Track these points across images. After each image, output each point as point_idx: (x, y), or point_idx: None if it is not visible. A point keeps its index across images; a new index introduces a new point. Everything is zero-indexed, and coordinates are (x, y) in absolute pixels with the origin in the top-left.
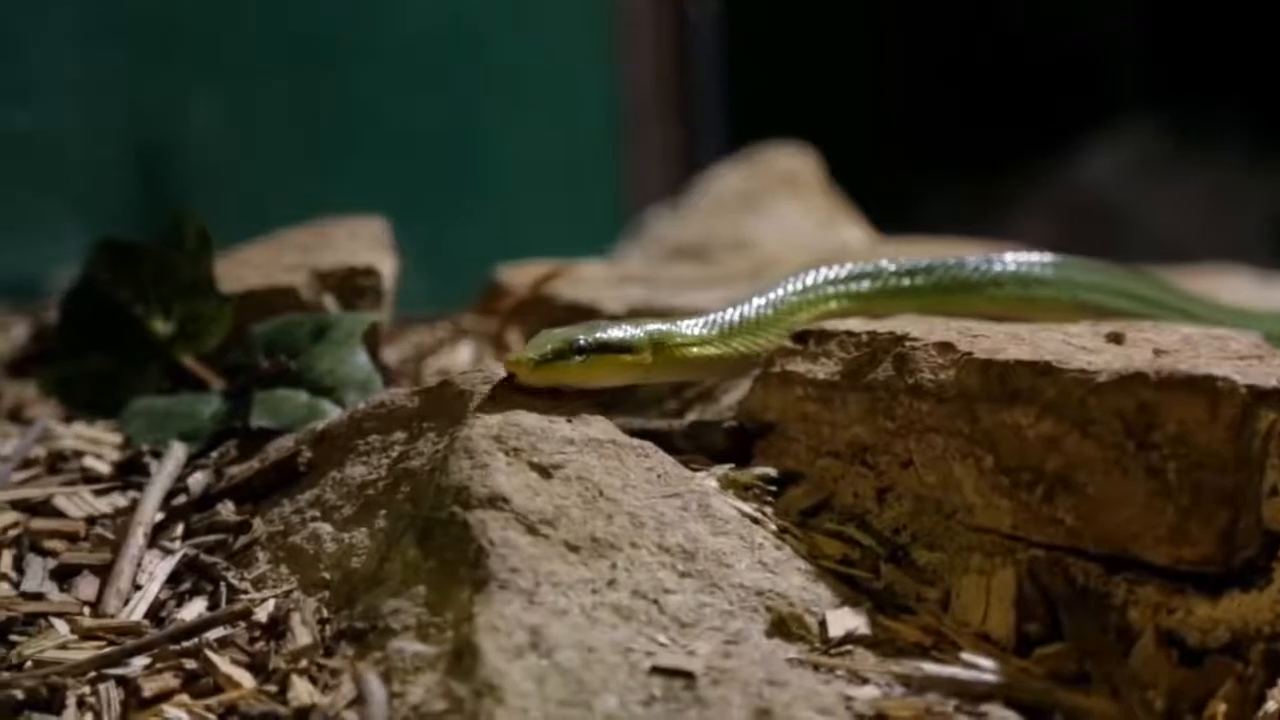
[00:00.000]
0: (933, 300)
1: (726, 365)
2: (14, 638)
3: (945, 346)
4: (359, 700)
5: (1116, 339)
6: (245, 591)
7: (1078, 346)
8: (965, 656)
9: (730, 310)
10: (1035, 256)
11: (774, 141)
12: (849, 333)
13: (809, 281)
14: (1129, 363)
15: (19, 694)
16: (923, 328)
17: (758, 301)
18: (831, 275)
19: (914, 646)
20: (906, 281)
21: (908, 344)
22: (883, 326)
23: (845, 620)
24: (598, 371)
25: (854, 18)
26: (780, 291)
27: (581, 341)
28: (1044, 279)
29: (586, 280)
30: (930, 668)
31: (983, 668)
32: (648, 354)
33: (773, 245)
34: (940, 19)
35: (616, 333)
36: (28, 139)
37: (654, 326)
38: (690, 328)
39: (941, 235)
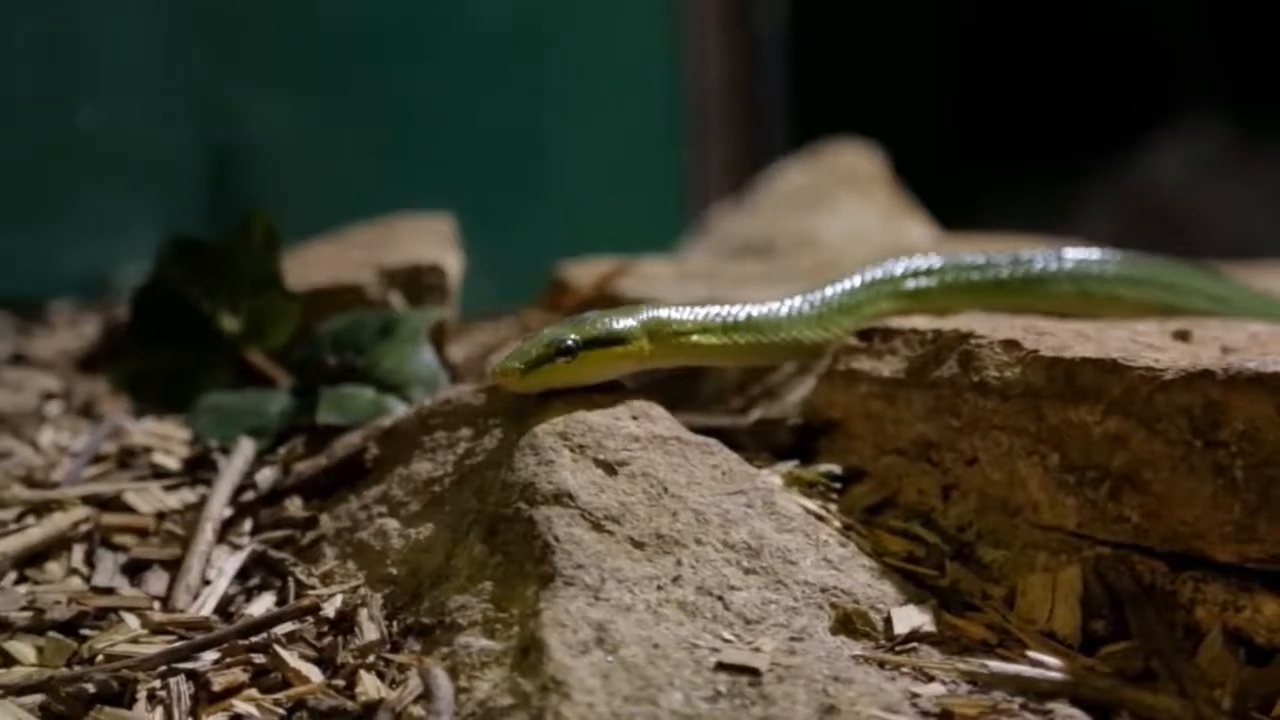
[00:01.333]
0: (986, 297)
1: (728, 357)
2: (85, 632)
3: (1011, 344)
4: (426, 695)
5: (1184, 336)
6: (313, 587)
7: (1144, 344)
8: (1031, 654)
9: (738, 307)
10: (1103, 253)
11: (838, 139)
12: (914, 330)
13: (821, 295)
14: (1196, 360)
15: (91, 687)
16: (988, 325)
17: (773, 303)
18: (844, 288)
19: (979, 644)
20: (944, 280)
21: (973, 341)
22: (948, 324)
23: (910, 617)
24: (591, 368)
25: (920, 15)
26: (796, 301)
27: (568, 342)
28: (1111, 276)
29: (650, 277)
30: (996, 665)
31: (1049, 665)
32: (643, 342)
33: (837, 242)
34: (1007, 18)
35: (606, 325)
36: (99, 137)
37: (648, 314)
38: (688, 314)
39: (1006, 233)
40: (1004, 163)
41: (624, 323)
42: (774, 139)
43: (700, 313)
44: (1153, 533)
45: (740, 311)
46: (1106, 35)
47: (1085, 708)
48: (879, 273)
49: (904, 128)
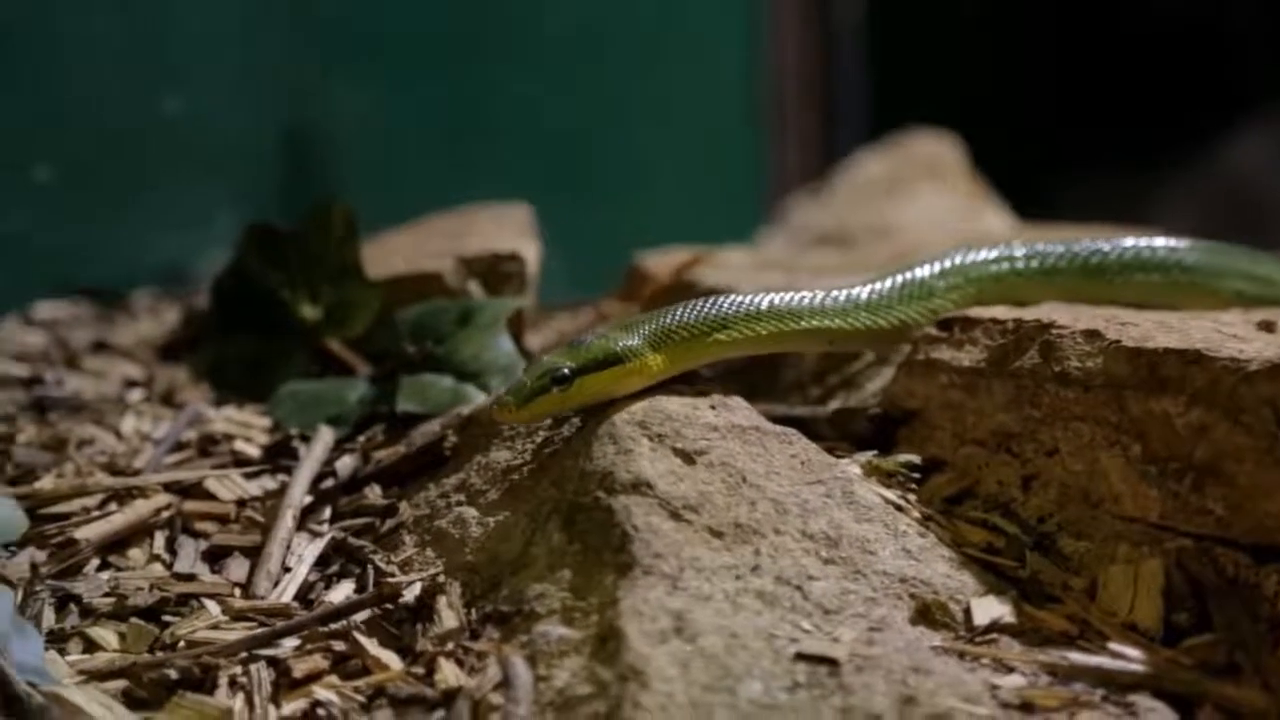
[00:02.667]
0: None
1: (747, 348)
2: (167, 618)
3: (1092, 334)
4: (505, 683)
5: (1268, 327)
6: (392, 574)
7: (1228, 335)
8: (1112, 646)
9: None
10: (1185, 243)
11: (916, 129)
12: (994, 320)
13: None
14: None
15: (172, 673)
16: (1069, 315)
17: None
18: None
19: (1060, 635)
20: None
21: (1054, 331)
22: (1028, 314)
23: (990, 608)
24: (591, 392)
25: (997, 5)
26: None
27: (563, 371)
28: (1195, 266)
29: (728, 266)
30: (1077, 657)
31: (1130, 657)
32: (649, 358)
33: (914, 232)
34: (1085, 6)
35: (603, 347)
36: (179, 126)
37: (652, 325)
38: (697, 314)
39: (1086, 223)
40: (1082, 152)
41: (625, 342)
42: (852, 129)
43: (712, 309)
44: (1236, 525)
45: (761, 300)
46: (1186, 22)
47: (1167, 700)
48: (940, 264)
49: (982, 117)
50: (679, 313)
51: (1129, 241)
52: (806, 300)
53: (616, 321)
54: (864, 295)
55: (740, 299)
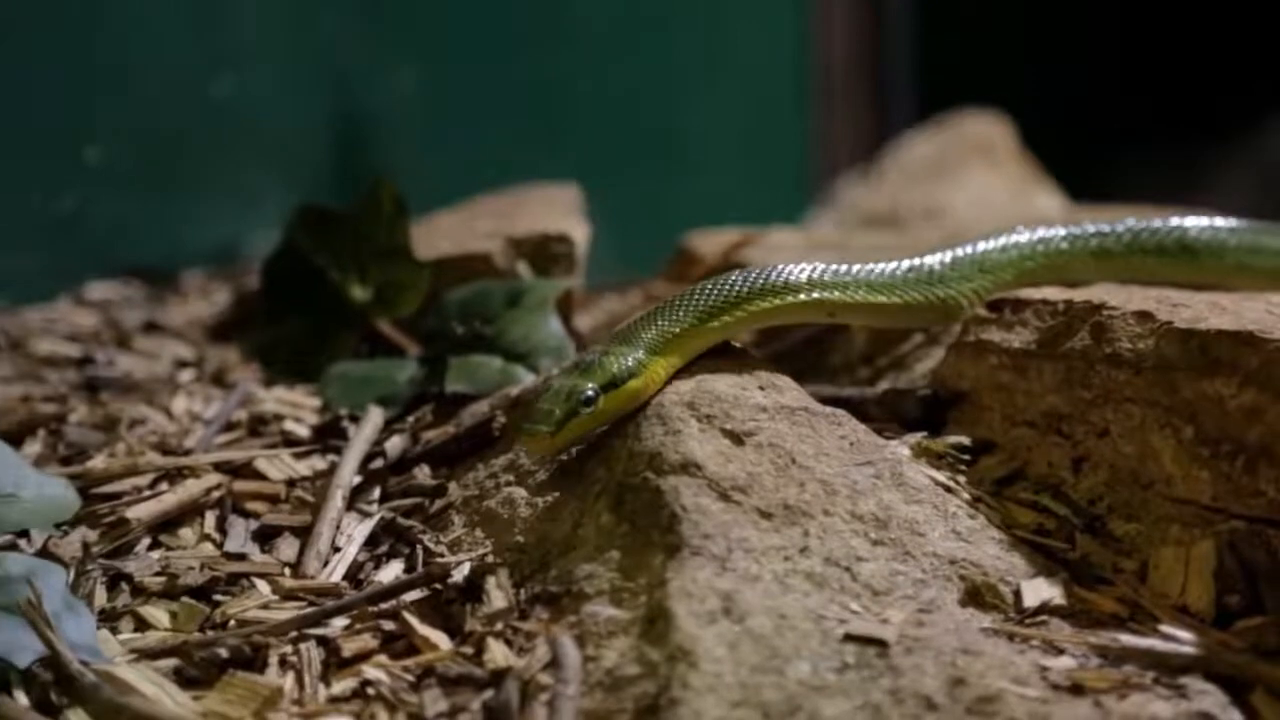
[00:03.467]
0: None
1: (744, 326)
2: (218, 597)
3: (1144, 315)
4: (554, 663)
5: None
6: (441, 555)
7: None
8: (1164, 628)
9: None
10: (1238, 223)
11: (966, 109)
12: (1045, 301)
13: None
14: None
15: (223, 652)
16: (1120, 296)
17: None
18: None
19: (1111, 618)
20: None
21: (1105, 313)
22: (1079, 295)
23: (1040, 590)
24: (615, 408)
25: None
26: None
27: (588, 392)
28: (1246, 246)
29: (777, 247)
30: (1128, 639)
31: (1181, 640)
32: (657, 363)
33: (965, 213)
34: None
35: (617, 364)
36: (230, 108)
37: (652, 331)
38: (687, 310)
39: (1138, 203)
40: (1134, 131)
41: (631, 356)
42: (901, 109)
43: (700, 300)
44: None
45: (750, 280)
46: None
47: (1219, 682)
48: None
49: (1032, 97)
50: (671, 311)
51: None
52: (805, 273)
53: (615, 333)
54: (859, 269)
55: (732, 282)
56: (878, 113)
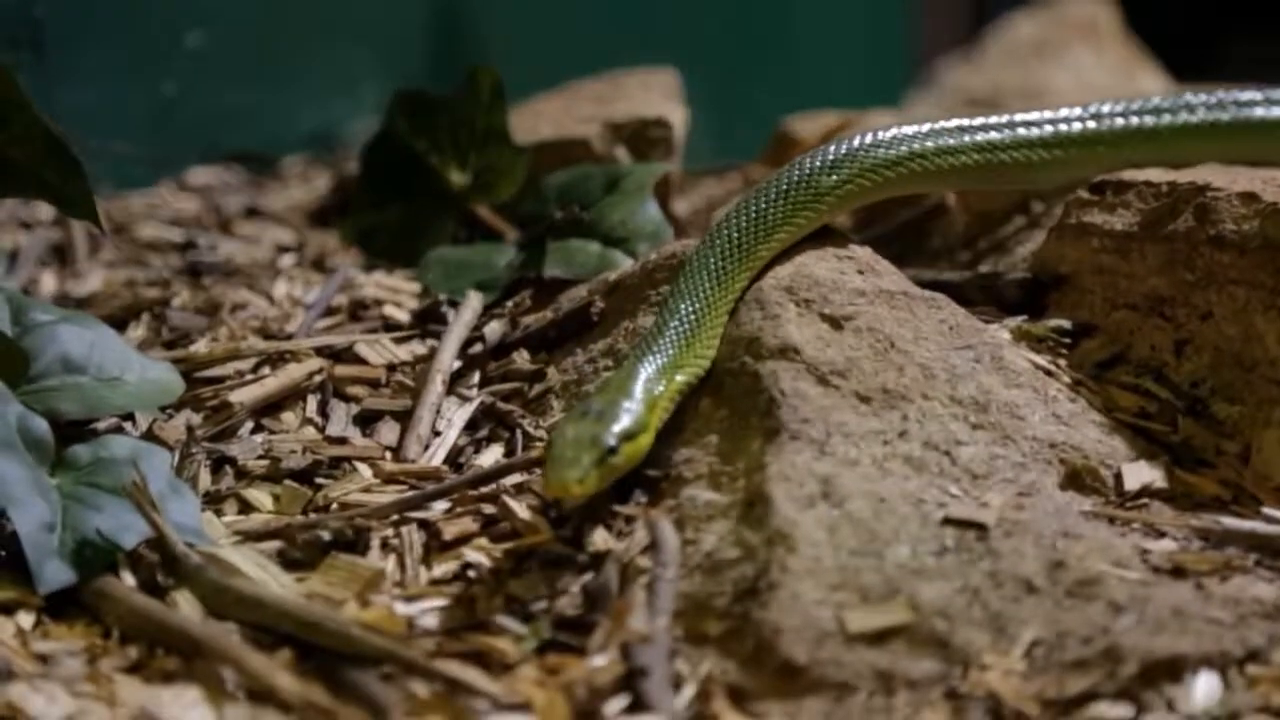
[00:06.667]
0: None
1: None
2: (320, 480)
3: (1249, 196)
4: (652, 546)
5: None
6: (541, 439)
7: None
8: (1266, 510)
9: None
10: None
11: None
12: (1148, 183)
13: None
14: None
15: (325, 534)
16: (1225, 178)
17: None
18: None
19: (1212, 500)
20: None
21: (1209, 194)
22: (1183, 176)
23: (1141, 473)
24: (633, 451)
25: None
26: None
27: (610, 443)
28: None
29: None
30: (1229, 521)
31: None
32: (652, 422)
33: (1067, 95)
34: None
35: (630, 413)
36: None
37: (638, 386)
38: (658, 362)
39: (1244, 84)
40: (1241, 8)
41: (637, 409)
42: None
43: (667, 350)
44: None
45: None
46: None
47: None
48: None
49: None
50: (645, 366)
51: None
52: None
53: (601, 385)
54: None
55: (671, 330)
56: None
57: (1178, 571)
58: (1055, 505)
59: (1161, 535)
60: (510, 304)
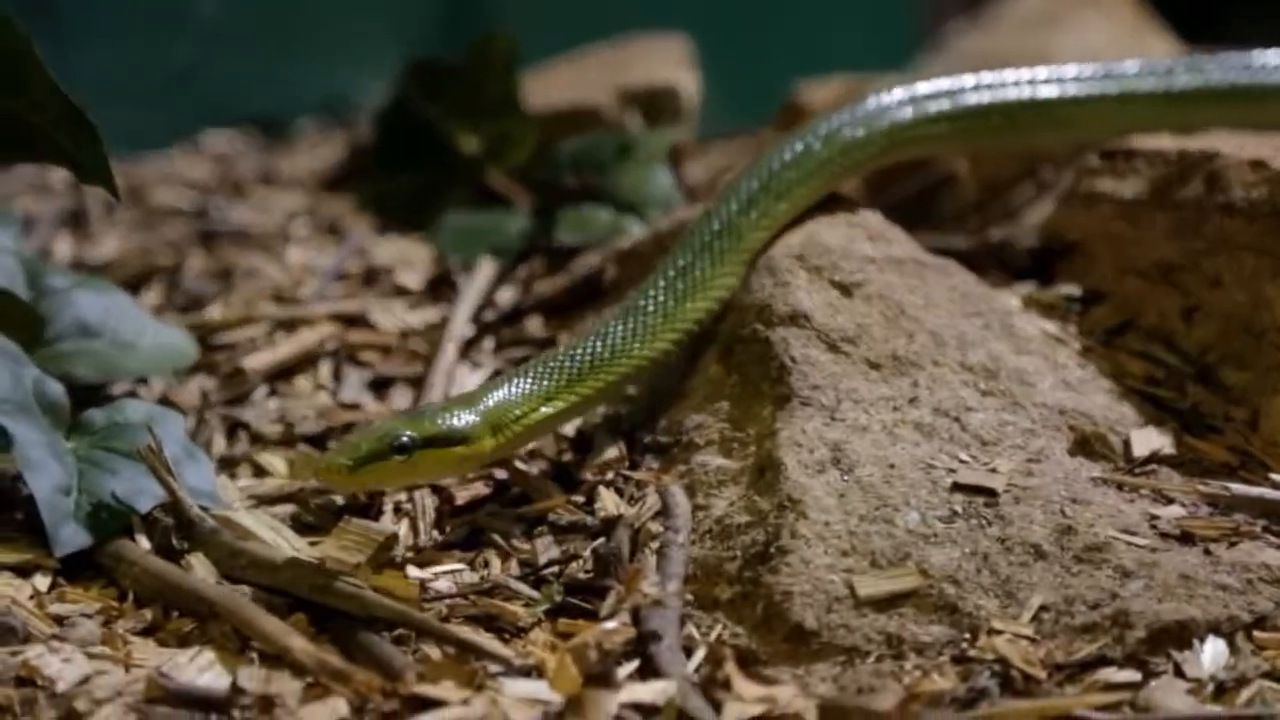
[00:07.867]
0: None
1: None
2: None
3: (1258, 164)
4: (664, 512)
5: None
6: None
7: None
8: (1275, 477)
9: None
10: None
11: None
12: (1157, 151)
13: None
14: None
15: (338, 499)
16: (1234, 145)
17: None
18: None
19: (1221, 466)
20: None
21: (1219, 161)
22: (1192, 144)
23: (1150, 439)
24: (427, 468)
25: None
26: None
27: (403, 438)
28: None
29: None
30: (1238, 488)
31: None
32: (485, 440)
33: (1076, 61)
34: None
35: (447, 422)
36: None
37: (489, 402)
38: (528, 386)
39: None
40: None
41: (466, 419)
42: None
43: (541, 379)
44: None
45: (577, 354)
46: None
47: None
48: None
49: None
50: (510, 388)
51: None
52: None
53: (459, 394)
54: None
55: (559, 361)
56: None
57: (1186, 537)
58: (1064, 471)
59: (1170, 501)
60: (523, 270)
